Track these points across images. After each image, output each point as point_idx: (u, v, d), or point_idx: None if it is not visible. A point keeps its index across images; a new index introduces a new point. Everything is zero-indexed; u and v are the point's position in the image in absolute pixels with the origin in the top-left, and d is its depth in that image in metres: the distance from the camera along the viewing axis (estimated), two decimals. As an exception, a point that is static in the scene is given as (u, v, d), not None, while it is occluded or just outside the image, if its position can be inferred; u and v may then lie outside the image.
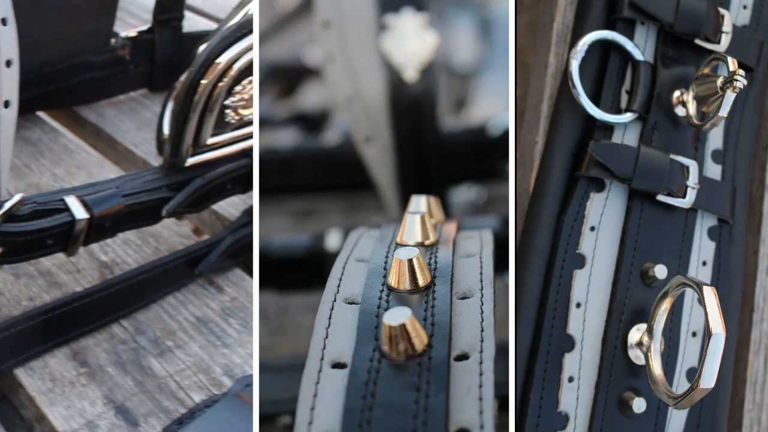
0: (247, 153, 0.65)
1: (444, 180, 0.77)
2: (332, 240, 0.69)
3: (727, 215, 0.51)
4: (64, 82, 0.87)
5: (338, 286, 0.40)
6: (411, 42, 0.72)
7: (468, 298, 0.38)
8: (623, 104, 0.50)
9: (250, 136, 0.64)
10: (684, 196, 0.49)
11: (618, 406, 0.47)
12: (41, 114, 0.91)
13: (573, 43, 0.51)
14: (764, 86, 0.55)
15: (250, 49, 0.57)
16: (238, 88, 0.59)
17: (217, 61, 0.56)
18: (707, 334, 0.41)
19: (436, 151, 0.73)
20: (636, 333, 0.48)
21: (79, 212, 0.56)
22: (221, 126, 0.61)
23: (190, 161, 0.61)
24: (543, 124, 0.51)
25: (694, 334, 0.50)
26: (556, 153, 0.49)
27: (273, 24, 1.40)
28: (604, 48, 0.51)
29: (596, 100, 0.50)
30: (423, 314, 0.37)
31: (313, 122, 1.03)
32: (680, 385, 0.49)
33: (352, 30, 0.72)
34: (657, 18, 0.50)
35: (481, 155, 0.82)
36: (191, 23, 1.06)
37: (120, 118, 0.91)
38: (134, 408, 0.54)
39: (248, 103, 0.60)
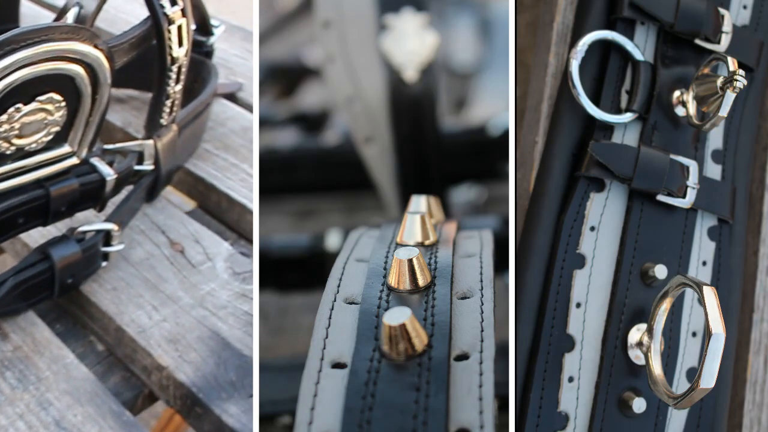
0: (41, 183, 0.57)
1: (444, 180, 0.77)
2: (332, 240, 0.69)
3: (727, 215, 0.51)
4: None
5: (338, 286, 0.40)
6: (411, 42, 0.72)
7: (468, 298, 0.38)
8: (623, 104, 0.50)
9: (40, 166, 0.57)
10: (684, 196, 0.49)
11: (618, 406, 0.47)
12: None
13: (573, 43, 0.51)
14: (764, 86, 0.55)
15: (9, 72, 0.50)
16: (3, 117, 0.51)
17: None
18: (707, 334, 0.41)
19: (436, 151, 0.73)
20: (636, 333, 0.48)
21: None
22: None
23: None
24: (543, 124, 0.51)
25: (694, 334, 0.50)
26: (556, 153, 0.49)
27: (273, 24, 1.40)
28: (604, 48, 0.51)
29: (596, 100, 0.50)
30: (423, 314, 0.37)
31: (313, 122, 1.03)
32: (680, 385, 0.49)
33: (352, 30, 0.72)
34: (657, 18, 0.50)
35: (481, 155, 0.82)
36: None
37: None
38: None
39: (22, 131, 0.53)
